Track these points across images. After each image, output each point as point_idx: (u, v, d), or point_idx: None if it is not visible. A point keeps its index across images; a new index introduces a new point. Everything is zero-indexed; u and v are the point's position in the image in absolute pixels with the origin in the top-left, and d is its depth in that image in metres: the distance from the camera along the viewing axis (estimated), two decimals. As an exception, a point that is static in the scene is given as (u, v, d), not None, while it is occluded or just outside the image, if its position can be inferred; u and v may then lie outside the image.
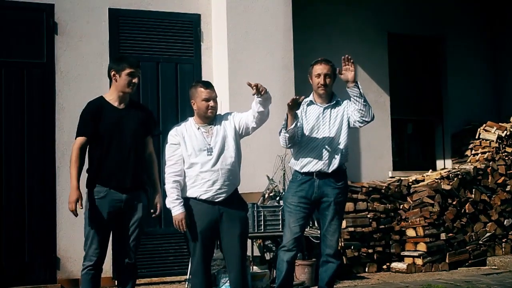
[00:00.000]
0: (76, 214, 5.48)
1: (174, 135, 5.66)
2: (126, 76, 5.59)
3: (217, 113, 5.79)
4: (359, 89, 5.96)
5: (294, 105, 5.79)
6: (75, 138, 5.63)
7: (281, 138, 6.00)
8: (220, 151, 5.59)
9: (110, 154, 5.56)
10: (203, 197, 5.54)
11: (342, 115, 6.13)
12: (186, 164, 5.58)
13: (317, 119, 6.11)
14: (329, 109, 6.14)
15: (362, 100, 5.97)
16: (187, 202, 5.57)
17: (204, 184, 5.53)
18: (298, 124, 5.99)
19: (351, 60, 6.00)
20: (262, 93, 5.50)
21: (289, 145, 6.07)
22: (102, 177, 5.57)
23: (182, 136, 5.62)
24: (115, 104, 5.65)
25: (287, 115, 5.86)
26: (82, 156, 5.59)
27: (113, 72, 5.65)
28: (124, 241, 5.63)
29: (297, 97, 5.83)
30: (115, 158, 5.56)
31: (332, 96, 6.23)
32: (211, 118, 5.67)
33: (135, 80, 5.62)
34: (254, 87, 5.49)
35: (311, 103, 6.19)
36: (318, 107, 6.15)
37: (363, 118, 6.03)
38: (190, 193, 5.57)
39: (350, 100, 6.10)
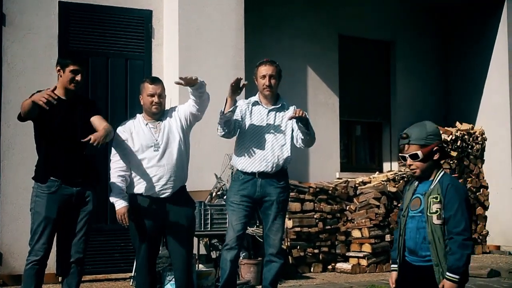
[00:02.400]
0: (53, 98, 5.25)
1: (122, 131, 5.63)
2: (69, 73, 5.58)
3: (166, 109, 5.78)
4: (307, 127, 5.98)
5: (236, 87, 5.81)
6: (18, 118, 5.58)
7: (218, 125, 6.02)
8: (167, 147, 5.58)
9: (57, 148, 5.50)
10: (149, 192, 5.52)
11: (287, 121, 6.16)
12: (132, 160, 5.55)
13: (261, 120, 6.16)
14: (274, 112, 6.18)
15: (307, 137, 6.04)
16: (133, 198, 5.54)
17: (150, 180, 5.52)
18: (235, 117, 6.03)
19: (303, 114, 5.93)
20: (189, 81, 5.46)
21: (224, 133, 6.07)
22: (52, 171, 5.50)
23: (130, 132, 5.60)
24: (63, 97, 5.61)
25: (226, 99, 5.88)
26: None
27: (58, 68, 5.68)
28: (72, 236, 5.58)
29: (240, 78, 5.84)
30: (63, 152, 5.50)
31: (278, 98, 6.27)
32: (157, 114, 5.65)
33: (78, 78, 5.59)
34: (182, 80, 5.47)
35: (256, 103, 6.22)
36: (263, 108, 6.19)
37: (303, 145, 6.14)
38: (137, 189, 5.55)
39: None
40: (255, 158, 6.09)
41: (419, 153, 4.07)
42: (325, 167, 10.35)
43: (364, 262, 9.06)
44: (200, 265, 7.79)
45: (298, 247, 8.82)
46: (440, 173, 4.11)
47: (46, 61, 8.13)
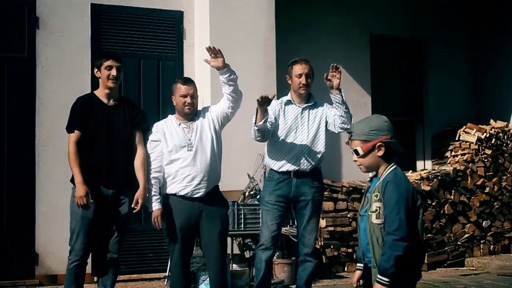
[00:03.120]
0: (87, 207, 5.47)
1: (155, 131, 5.66)
2: (105, 70, 5.64)
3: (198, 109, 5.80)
4: (342, 97, 5.98)
5: (263, 102, 5.81)
6: (68, 134, 5.62)
7: (252, 130, 6.04)
8: (200, 147, 5.58)
9: (98, 151, 5.55)
10: (182, 192, 5.54)
11: (320, 117, 6.16)
12: (165, 161, 5.58)
13: (296, 119, 6.15)
14: (307, 110, 6.18)
15: (344, 107, 6.00)
16: (166, 199, 5.56)
17: (183, 180, 5.53)
18: (269, 120, 6.02)
19: (339, 69, 5.98)
20: (216, 54, 5.53)
21: (258, 139, 6.10)
22: (89, 173, 5.55)
23: (163, 132, 5.62)
24: (104, 100, 5.70)
25: (257, 110, 5.88)
26: (79, 150, 5.57)
27: (95, 69, 5.77)
28: (108, 237, 5.63)
29: (267, 94, 5.84)
30: (103, 155, 5.56)
31: (310, 96, 6.26)
32: (190, 114, 5.67)
33: (113, 73, 5.63)
34: (211, 52, 5.53)
35: (289, 102, 6.22)
36: (296, 107, 6.19)
37: (343, 125, 6.05)
38: (170, 190, 5.57)
39: (330, 105, 6.13)
40: (290, 157, 6.08)
41: (359, 149, 3.86)
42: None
43: (398, 262, 8.98)
44: (234, 265, 7.79)
45: (331, 247, 8.78)
46: (388, 169, 3.84)
47: (79, 63, 8.20)
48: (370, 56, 10.68)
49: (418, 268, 3.85)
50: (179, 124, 5.66)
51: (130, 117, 5.71)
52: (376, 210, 3.75)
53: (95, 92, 5.82)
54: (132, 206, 5.61)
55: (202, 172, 5.55)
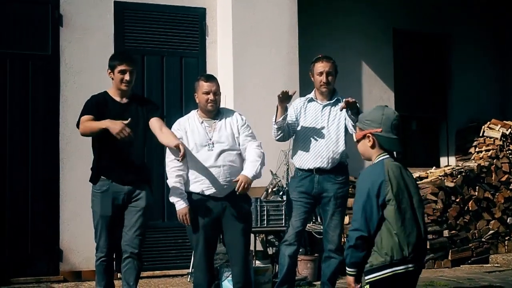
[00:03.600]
0: (131, 135, 5.38)
1: (177, 129, 5.66)
2: (118, 73, 5.67)
3: (221, 107, 5.78)
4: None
5: (284, 98, 5.79)
6: (79, 119, 5.66)
7: (272, 130, 6.07)
8: (222, 147, 5.57)
9: (111, 148, 5.59)
10: (206, 192, 5.54)
11: (341, 114, 6.14)
12: (188, 159, 5.57)
13: (316, 116, 6.15)
14: (329, 107, 6.17)
15: None
16: (190, 196, 5.57)
17: (206, 180, 5.52)
18: (289, 118, 6.03)
19: (354, 102, 5.89)
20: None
21: (278, 137, 6.12)
22: (104, 171, 5.61)
23: (185, 130, 5.61)
24: (117, 99, 5.74)
25: (277, 107, 5.87)
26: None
27: (108, 70, 5.81)
28: (126, 232, 5.67)
29: (287, 90, 5.83)
30: (116, 152, 5.59)
31: (334, 93, 6.24)
32: (213, 112, 5.66)
33: (126, 78, 5.66)
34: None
35: (311, 100, 6.22)
36: (317, 104, 6.18)
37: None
38: (193, 188, 5.57)
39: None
40: (311, 154, 6.09)
41: (354, 134, 3.98)
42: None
43: (422, 259, 8.94)
44: (257, 261, 7.79)
45: (354, 243, 8.74)
46: (375, 160, 3.86)
47: (102, 60, 8.15)
48: (393, 52, 10.63)
49: (389, 265, 3.71)
50: (202, 122, 5.64)
51: (142, 113, 5.73)
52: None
53: (108, 90, 5.84)
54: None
55: (225, 173, 5.54)
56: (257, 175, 5.52)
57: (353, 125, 5.94)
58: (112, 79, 5.77)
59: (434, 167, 10.30)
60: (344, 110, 5.94)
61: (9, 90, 7.95)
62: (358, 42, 10.21)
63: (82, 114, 5.67)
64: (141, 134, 5.72)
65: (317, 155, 6.09)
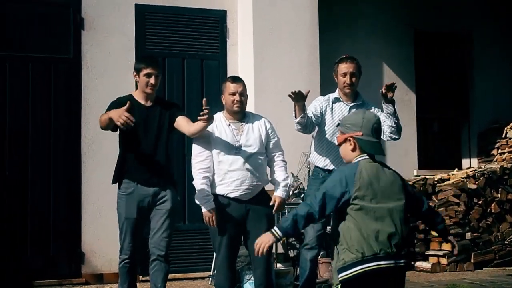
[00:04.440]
0: (132, 121, 5.35)
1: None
2: (144, 77, 5.69)
3: (247, 110, 5.78)
4: (394, 109, 5.94)
5: (298, 99, 5.76)
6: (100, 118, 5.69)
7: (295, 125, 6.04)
8: (248, 150, 5.56)
9: (136, 151, 5.62)
10: (231, 195, 5.53)
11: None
12: (214, 160, 5.56)
13: (342, 115, 6.09)
14: (355, 108, 6.11)
15: (395, 118, 5.97)
16: (215, 198, 5.56)
17: (232, 183, 5.51)
18: (314, 114, 6.03)
19: (394, 85, 5.93)
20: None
21: (300, 131, 6.07)
22: (128, 173, 5.63)
23: (212, 130, 5.60)
24: (142, 101, 5.77)
25: (294, 105, 5.85)
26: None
27: (134, 73, 5.83)
28: (153, 235, 5.69)
29: (297, 90, 5.79)
30: (141, 155, 5.62)
31: (357, 95, 6.20)
32: (239, 114, 5.65)
33: (152, 81, 5.68)
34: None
35: (337, 100, 6.17)
36: (344, 105, 6.14)
37: (392, 135, 6.07)
38: (218, 190, 5.56)
39: (378, 108, 6.10)
40: (335, 155, 6.04)
41: (335, 138, 4.04)
42: (402, 165, 10.16)
43: (444, 261, 8.90)
44: (278, 264, 7.78)
45: (375, 246, 8.71)
46: (354, 162, 3.96)
47: (124, 63, 8.27)
48: (414, 53, 10.58)
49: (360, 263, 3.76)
50: (229, 125, 5.63)
51: (166, 116, 5.74)
52: None
53: (133, 93, 5.88)
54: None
55: (251, 177, 5.52)
56: (288, 194, 5.78)
57: (389, 123, 5.99)
58: (137, 81, 5.79)
59: (456, 169, 10.23)
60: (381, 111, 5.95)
61: (31, 93, 8.01)
62: (379, 43, 10.17)
63: (106, 110, 5.71)
64: (165, 136, 5.74)
65: (341, 157, 6.05)
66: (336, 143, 4.01)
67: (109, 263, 7.99)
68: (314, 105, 6.14)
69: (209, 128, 5.58)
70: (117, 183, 5.76)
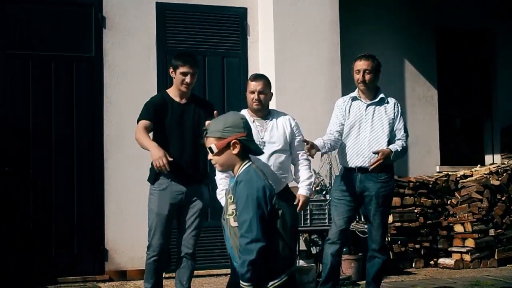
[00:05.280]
0: (167, 170, 5.33)
1: None
2: (180, 75, 5.68)
3: (272, 108, 5.79)
4: (397, 156, 6.04)
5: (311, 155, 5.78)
6: (137, 123, 5.69)
7: None
8: (273, 147, 5.57)
9: (171, 148, 5.61)
10: None
11: (386, 116, 6.08)
12: None
13: (360, 115, 6.10)
14: (373, 106, 6.11)
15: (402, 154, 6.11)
16: None
17: None
18: (340, 123, 6.08)
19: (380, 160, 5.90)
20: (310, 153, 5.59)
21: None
22: (160, 172, 5.62)
23: None
24: (177, 99, 5.76)
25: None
26: (147, 132, 5.61)
27: (171, 69, 5.80)
28: (183, 232, 5.70)
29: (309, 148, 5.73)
30: (175, 152, 5.60)
31: (377, 91, 6.19)
32: (259, 111, 5.66)
33: (187, 79, 5.68)
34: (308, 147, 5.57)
35: (355, 98, 6.17)
36: (361, 103, 6.14)
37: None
38: None
39: (399, 103, 6.20)
40: (353, 153, 6.06)
41: (213, 146, 3.64)
42: (425, 161, 10.17)
43: (467, 258, 8.85)
44: (301, 261, 7.78)
45: (399, 243, 8.69)
46: (241, 168, 3.63)
47: (145, 62, 8.31)
48: (435, 49, 10.53)
49: (281, 270, 3.55)
50: (253, 121, 5.65)
51: (201, 114, 5.76)
52: (232, 212, 3.56)
53: (168, 90, 5.88)
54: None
55: (274, 174, 5.52)
56: (312, 192, 5.82)
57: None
58: (173, 78, 5.78)
59: (479, 165, 10.17)
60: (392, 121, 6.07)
61: (54, 92, 8.06)
62: (400, 40, 10.13)
63: (140, 116, 5.70)
64: (200, 135, 5.75)
65: (359, 154, 6.05)
66: (214, 151, 3.66)
67: (132, 260, 8.03)
68: (336, 114, 6.17)
69: None
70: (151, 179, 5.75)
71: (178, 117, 5.66)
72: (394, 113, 6.10)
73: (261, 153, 3.78)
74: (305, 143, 5.61)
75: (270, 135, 5.60)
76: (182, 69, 5.68)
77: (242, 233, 3.44)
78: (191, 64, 5.73)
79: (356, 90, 6.22)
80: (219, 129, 3.65)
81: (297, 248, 7.63)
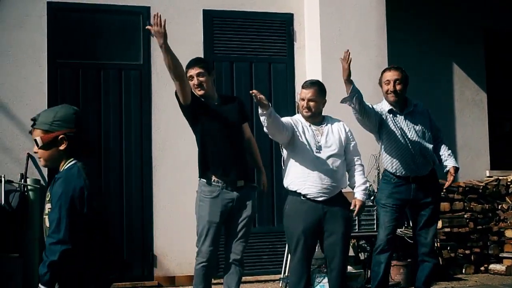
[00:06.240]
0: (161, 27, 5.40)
1: (290, 119, 5.66)
2: (189, 80, 5.71)
3: (325, 114, 5.78)
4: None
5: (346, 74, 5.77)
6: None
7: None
8: (329, 152, 5.57)
9: (214, 150, 5.65)
10: (309, 195, 5.49)
11: (424, 121, 6.16)
12: (293, 157, 5.57)
13: (402, 125, 6.11)
14: (410, 115, 6.16)
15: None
16: (291, 199, 5.57)
17: (311, 183, 5.49)
18: (368, 104, 6.04)
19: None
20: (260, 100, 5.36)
21: (357, 116, 6.07)
22: (213, 171, 5.66)
23: (296, 125, 5.60)
24: (209, 101, 5.76)
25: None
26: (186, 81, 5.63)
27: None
28: (232, 239, 5.72)
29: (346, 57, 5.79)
30: (219, 153, 5.65)
31: (407, 100, 6.18)
32: (309, 118, 5.65)
33: (195, 82, 5.71)
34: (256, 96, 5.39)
35: (391, 111, 6.17)
36: (399, 114, 6.14)
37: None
38: (297, 189, 5.54)
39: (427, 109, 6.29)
40: (405, 162, 6.04)
41: (38, 139, 3.43)
42: (474, 166, 10.03)
43: (519, 263, 8.72)
44: (349, 267, 7.73)
45: (448, 248, 8.60)
46: (65, 165, 3.45)
47: (193, 69, 8.35)
48: (484, 52, 10.39)
49: (104, 274, 3.49)
50: (309, 125, 5.66)
51: (236, 111, 5.79)
52: (48, 212, 3.37)
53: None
54: (263, 190, 5.93)
55: (330, 178, 5.52)
56: (367, 197, 5.83)
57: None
58: None
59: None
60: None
61: (103, 100, 8.18)
62: (448, 42, 10.02)
63: None
64: (239, 132, 5.81)
65: (411, 163, 6.09)
66: (39, 144, 3.46)
67: (180, 266, 8.09)
68: (375, 107, 6.16)
69: (293, 121, 5.62)
70: (201, 182, 5.76)
71: (218, 114, 5.69)
72: (429, 115, 6.26)
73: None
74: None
75: (326, 140, 5.59)
76: (188, 75, 5.71)
77: (49, 232, 3.29)
78: (192, 66, 5.76)
79: (383, 102, 6.21)
80: (48, 122, 3.45)
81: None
